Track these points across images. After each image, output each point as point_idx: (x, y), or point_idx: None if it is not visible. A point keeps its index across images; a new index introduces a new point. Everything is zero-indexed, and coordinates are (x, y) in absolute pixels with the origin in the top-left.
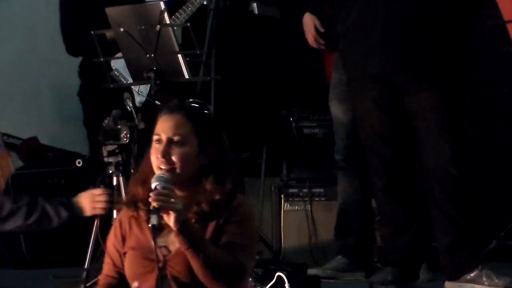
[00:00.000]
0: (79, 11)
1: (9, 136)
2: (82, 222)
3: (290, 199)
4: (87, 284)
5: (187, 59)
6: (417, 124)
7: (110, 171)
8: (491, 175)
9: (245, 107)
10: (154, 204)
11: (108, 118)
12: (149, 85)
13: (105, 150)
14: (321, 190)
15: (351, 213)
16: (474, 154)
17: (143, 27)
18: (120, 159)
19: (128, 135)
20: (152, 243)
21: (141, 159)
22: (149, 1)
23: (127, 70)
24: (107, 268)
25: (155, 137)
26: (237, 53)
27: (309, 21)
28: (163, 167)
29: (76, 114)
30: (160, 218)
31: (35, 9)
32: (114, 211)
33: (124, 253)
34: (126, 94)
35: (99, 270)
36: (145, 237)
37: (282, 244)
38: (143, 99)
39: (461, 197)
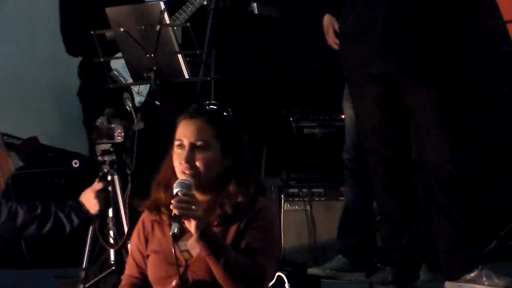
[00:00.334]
0: (79, 11)
1: (9, 136)
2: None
3: (290, 199)
4: (87, 285)
5: (187, 59)
6: (417, 124)
7: (105, 170)
8: (491, 175)
9: (245, 107)
10: (175, 211)
11: (101, 117)
12: (149, 85)
13: (99, 149)
14: (321, 190)
15: (355, 213)
16: (474, 154)
17: (143, 27)
18: (115, 157)
19: (122, 134)
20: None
21: (139, 159)
22: (149, 1)
23: (126, 70)
24: (130, 268)
25: (176, 143)
26: (237, 53)
27: (328, 23)
28: (187, 172)
29: (76, 114)
30: (182, 224)
31: (35, 9)
32: (110, 210)
33: (147, 256)
34: (125, 94)
35: (97, 270)
36: (167, 241)
37: (282, 244)
38: (143, 99)
39: (461, 197)
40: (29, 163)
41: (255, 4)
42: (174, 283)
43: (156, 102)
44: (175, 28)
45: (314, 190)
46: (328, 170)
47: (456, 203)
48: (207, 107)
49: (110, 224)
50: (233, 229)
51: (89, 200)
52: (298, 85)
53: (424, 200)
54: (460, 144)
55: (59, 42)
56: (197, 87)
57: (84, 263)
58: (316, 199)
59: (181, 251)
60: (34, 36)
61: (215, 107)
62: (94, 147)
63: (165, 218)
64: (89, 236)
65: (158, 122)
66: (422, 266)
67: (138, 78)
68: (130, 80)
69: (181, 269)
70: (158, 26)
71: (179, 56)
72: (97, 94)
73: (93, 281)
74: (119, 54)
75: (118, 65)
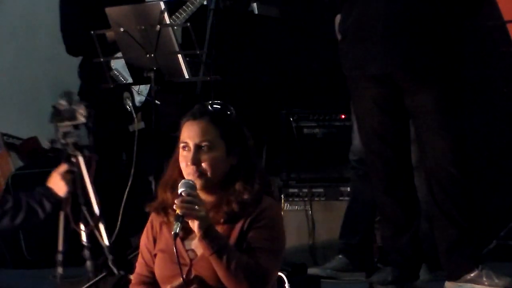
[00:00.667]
0: (79, 11)
1: (9, 136)
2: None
3: (290, 199)
4: (87, 285)
5: (187, 59)
6: (417, 124)
7: (69, 152)
8: (491, 175)
9: (245, 107)
10: (178, 211)
11: (60, 99)
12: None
13: (60, 132)
14: (321, 190)
15: (358, 213)
16: (474, 154)
17: (143, 27)
18: (78, 139)
19: (85, 114)
20: (179, 247)
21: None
22: (149, 1)
23: (126, 70)
24: (140, 267)
25: (181, 144)
26: (237, 53)
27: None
28: (194, 174)
29: None
30: (185, 223)
31: (35, 9)
32: (79, 193)
33: (155, 255)
34: (125, 94)
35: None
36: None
37: None
38: (143, 98)
39: (461, 197)
40: (29, 163)
41: (255, 4)
42: (177, 282)
43: (156, 101)
44: (175, 28)
45: (314, 190)
46: (328, 170)
47: (456, 203)
48: (210, 107)
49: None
50: (236, 229)
51: (56, 183)
52: (298, 85)
53: (424, 200)
54: (460, 144)
55: (59, 42)
56: (197, 87)
57: (60, 246)
58: (316, 199)
59: (186, 251)
60: (34, 36)
61: (218, 107)
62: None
63: (172, 218)
64: (60, 219)
65: (158, 122)
66: (422, 266)
67: (138, 78)
68: (130, 80)
69: (186, 268)
70: (158, 26)
71: (179, 56)
72: (97, 94)
73: (93, 281)
74: (119, 54)
75: (118, 65)
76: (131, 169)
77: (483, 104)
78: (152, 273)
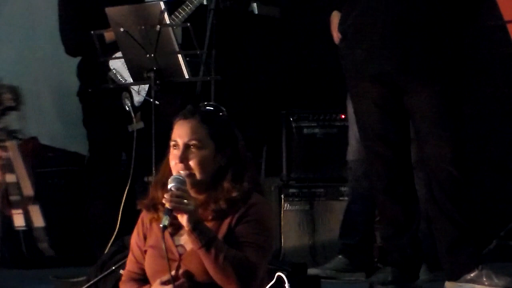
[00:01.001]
0: (77, 11)
1: None
2: (83, 223)
3: (290, 199)
4: (87, 285)
5: (187, 59)
6: (417, 124)
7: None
8: (491, 175)
9: (245, 107)
10: (167, 205)
11: None
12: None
13: None
14: (321, 190)
15: (357, 214)
16: (474, 154)
17: (143, 27)
18: (6, 124)
19: (13, 97)
20: (167, 242)
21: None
22: (149, 1)
23: (125, 70)
24: (130, 264)
25: (172, 143)
26: (237, 53)
27: (335, 20)
28: (182, 172)
29: (76, 114)
30: (174, 218)
31: (35, 9)
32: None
33: (145, 251)
34: (124, 94)
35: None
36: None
37: (282, 244)
38: (142, 98)
39: (461, 197)
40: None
41: (255, 4)
42: (166, 277)
43: (156, 102)
44: (175, 28)
45: (314, 190)
46: (328, 170)
47: (456, 203)
48: (201, 108)
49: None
50: (225, 225)
51: None
52: (298, 85)
53: (424, 200)
54: (460, 144)
55: (58, 42)
56: (197, 87)
57: None
58: (316, 199)
59: (176, 246)
60: (34, 36)
61: (209, 108)
62: (94, 147)
63: (161, 215)
64: None
65: (158, 122)
66: (422, 266)
67: (138, 78)
68: (128, 80)
69: (175, 263)
70: (158, 26)
71: (179, 56)
72: (96, 94)
73: (93, 281)
74: (118, 54)
75: (116, 64)
76: (131, 169)
77: (483, 104)
78: (143, 270)
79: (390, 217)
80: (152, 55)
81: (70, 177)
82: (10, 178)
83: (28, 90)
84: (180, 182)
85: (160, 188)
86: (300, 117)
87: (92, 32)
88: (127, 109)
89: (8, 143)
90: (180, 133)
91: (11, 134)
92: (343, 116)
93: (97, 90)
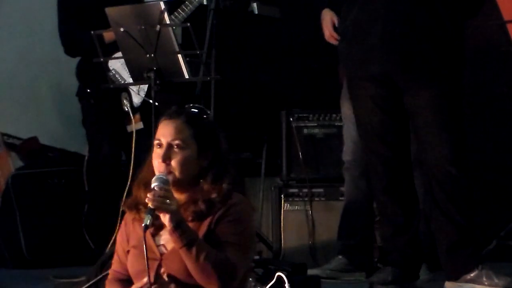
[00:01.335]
0: (77, 11)
1: (9, 136)
2: (83, 223)
3: (290, 199)
4: (87, 285)
5: (187, 59)
6: (417, 124)
7: None
8: (491, 175)
9: (245, 107)
10: (150, 204)
11: None
12: (147, 85)
13: None
14: (321, 190)
15: (355, 214)
16: (474, 154)
17: (143, 27)
18: None
19: None
20: (149, 242)
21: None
22: (149, 1)
23: (124, 70)
24: (115, 264)
25: (155, 142)
26: (237, 53)
27: (327, 17)
28: (163, 171)
29: (76, 114)
30: (156, 217)
31: (35, 9)
32: None
33: (128, 251)
34: (123, 94)
35: (97, 270)
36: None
37: (282, 244)
38: (141, 99)
39: (461, 197)
40: (29, 163)
41: (255, 4)
42: (146, 278)
43: (155, 103)
44: (175, 28)
45: (314, 190)
46: (328, 170)
47: (456, 203)
48: (187, 109)
49: None
50: (205, 225)
51: None
52: (298, 85)
53: (424, 200)
54: (460, 144)
55: (58, 42)
56: (197, 87)
57: None
58: (316, 199)
59: (157, 246)
60: (33, 36)
61: (195, 110)
62: (94, 147)
63: (143, 215)
64: None
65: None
66: (422, 266)
67: (138, 78)
68: (128, 80)
69: (156, 263)
70: (158, 26)
71: (179, 56)
72: (95, 94)
73: (93, 281)
74: (119, 54)
75: (115, 65)
76: (130, 169)
77: (483, 104)
78: (126, 270)
79: (390, 217)
80: (152, 55)
81: (70, 177)
82: None
83: (27, 90)
84: (164, 181)
85: (143, 187)
86: (300, 117)
87: (91, 32)
88: (126, 109)
89: None
90: (164, 132)
91: None
92: None
93: (97, 91)
